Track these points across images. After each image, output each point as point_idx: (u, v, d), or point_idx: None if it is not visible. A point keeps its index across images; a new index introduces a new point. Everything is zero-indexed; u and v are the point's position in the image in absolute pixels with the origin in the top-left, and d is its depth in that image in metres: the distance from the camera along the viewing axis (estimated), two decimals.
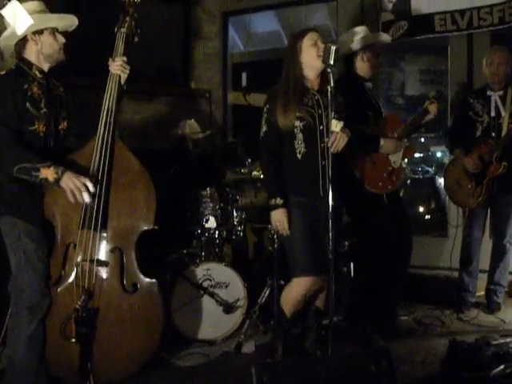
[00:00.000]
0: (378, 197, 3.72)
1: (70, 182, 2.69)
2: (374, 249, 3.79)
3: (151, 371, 3.11)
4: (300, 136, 3.04)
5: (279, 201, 3.04)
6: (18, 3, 2.49)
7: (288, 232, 3.06)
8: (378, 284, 3.75)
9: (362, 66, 3.83)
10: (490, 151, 4.07)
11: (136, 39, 3.15)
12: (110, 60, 3.05)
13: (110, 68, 3.04)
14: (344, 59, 3.88)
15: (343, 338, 3.36)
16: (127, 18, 3.10)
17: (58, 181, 2.69)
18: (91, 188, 2.73)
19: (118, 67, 3.02)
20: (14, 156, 2.69)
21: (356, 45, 3.82)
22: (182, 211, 4.03)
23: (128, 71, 3.05)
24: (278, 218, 3.05)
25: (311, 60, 3.06)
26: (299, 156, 3.06)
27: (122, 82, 3.06)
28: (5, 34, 2.86)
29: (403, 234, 3.85)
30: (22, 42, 2.86)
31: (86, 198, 2.70)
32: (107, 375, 2.93)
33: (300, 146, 3.05)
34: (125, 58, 3.05)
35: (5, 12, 2.62)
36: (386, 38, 4.02)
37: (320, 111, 3.06)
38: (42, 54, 2.88)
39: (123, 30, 3.09)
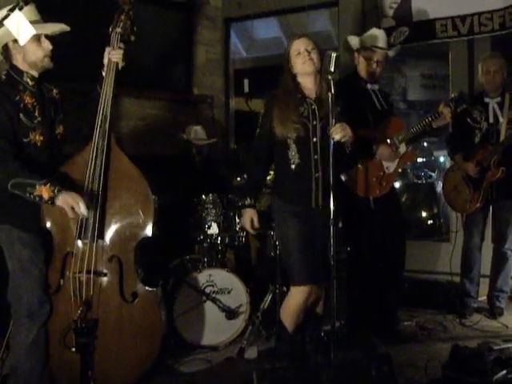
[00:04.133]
0: (365, 201, 3.71)
1: (67, 197, 2.66)
2: (363, 253, 3.79)
3: (154, 377, 3.10)
4: (294, 147, 3.04)
5: (248, 201, 3.20)
6: (21, 13, 2.50)
7: (251, 231, 3.25)
8: (374, 288, 3.76)
9: (361, 68, 3.84)
10: (488, 157, 4.09)
11: (132, 38, 3.04)
12: (108, 48, 2.96)
13: (106, 55, 2.95)
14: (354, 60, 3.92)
15: (345, 343, 3.36)
16: (122, 17, 2.99)
17: (53, 199, 2.65)
18: (86, 203, 2.71)
19: (117, 55, 2.93)
20: (9, 170, 2.65)
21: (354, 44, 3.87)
22: (185, 217, 4.05)
23: (125, 60, 2.97)
24: (247, 216, 3.19)
25: (299, 69, 3.06)
26: (293, 167, 3.06)
27: (119, 68, 2.96)
28: None
29: (395, 239, 3.83)
30: (6, 49, 2.77)
31: (83, 210, 2.67)
32: (108, 383, 2.93)
33: (294, 157, 3.05)
34: (123, 46, 2.96)
35: (8, 22, 2.61)
36: (381, 46, 3.83)
37: (315, 122, 3.04)
38: (26, 62, 2.79)
39: (118, 29, 2.97)
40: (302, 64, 3.04)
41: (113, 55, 2.96)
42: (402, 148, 3.76)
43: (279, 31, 6.36)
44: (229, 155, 5.50)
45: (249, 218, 3.19)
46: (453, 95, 3.77)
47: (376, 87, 3.87)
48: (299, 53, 3.05)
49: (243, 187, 3.37)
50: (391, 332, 3.85)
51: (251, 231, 3.25)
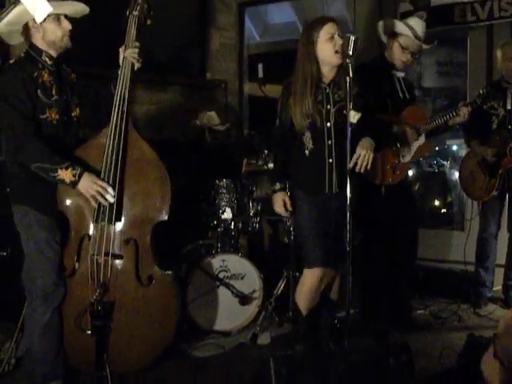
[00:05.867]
0: (377, 188, 3.66)
1: (88, 187, 2.73)
2: (372, 242, 3.77)
3: (167, 362, 3.10)
4: (308, 133, 3.03)
5: (278, 186, 3.15)
6: None
7: (286, 214, 3.20)
8: (385, 276, 3.73)
9: (391, 54, 3.73)
10: (504, 143, 4.03)
11: (149, 22, 3.04)
12: (123, 47, 2.95)
13: (122, 54, 2.94)
14: (381, 43, 3.83)
15: (359, 331, 3.34)
16: (139, 0, 2.98)
17: (75, 184, 2.72)
18: (111, 191, 2.78)
19: (133, 54, 2.91)
20: (32, 153, 2.68)
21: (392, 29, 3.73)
22: (198, 202, 4.03)
23: (141, 60, 2.95)
24: (277, 201, 3.15)
25: (328, 56, 2.97)
26: (307, 152, 3.06)
27: (135, 69, 2.95)
28: (5, 20, 2.75)
29: (406, 228, 3.78)
30: (26, 28, 2.78)
31: (110, 199, 2.78)
32: (123, 366, 2.93)
33: (308, 143, 3.05)
34: (138, 45, 2.94)
35: None
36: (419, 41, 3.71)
37: (328, 106, 3.01)
38: (45, 41, 2.79)
39: (135, 12, 2.96)
40: (334, 53, 2.93)
41: (127, 53, 2.92)
42: (422, 138, 3.71)
43: (294, 16, 6.30)
44: (242, 140, 5.46)
45: (281, 201, 3.15)
46: (481, 91, 3.71)
47: (402, 75, 3.80)
48: (332, 37, 2.95)
49: (272, 175, 3.31)
50: (404, 321, 3.83)
51: (285, 214, 3.20)
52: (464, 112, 3.64)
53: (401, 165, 3.71)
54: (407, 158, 3.72)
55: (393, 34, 3.72)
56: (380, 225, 3.68)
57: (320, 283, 3.14)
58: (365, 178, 3.59)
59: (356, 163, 2.93)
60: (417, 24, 3.72)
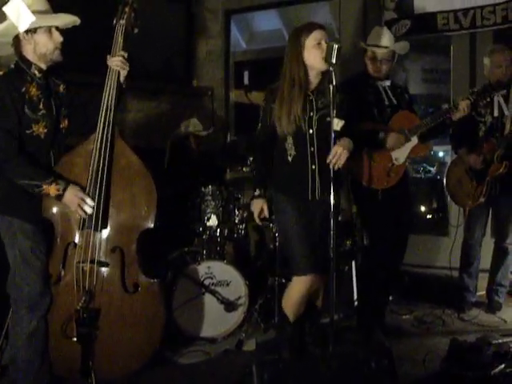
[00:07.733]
0: (373, 192, 3.69)
1: (73, 199, 2.79)
2: (375, 245, 3.81)
3: (153, 369, 3.11)
4: (290, 139, 3.03)
5: (258, 192, 3.16)
6: (20, 0, 2.48)
7: (259, 222, 3.21)
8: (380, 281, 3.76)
9: (367, 66, 3.82)
10: (492, 150, 4.06)
11: (136, 31, 3.05)
12: (109, 55, 2.96)
13: (108, 63, 2.95)
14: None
15: (346, 336, 3.36)
16: (126, 9, 2.99)
17: (59, 197, 2.78)
18: (90, 203, 2.83)
19: (118, 63, 2.92)
20: (15, 171, 2.72)
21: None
22: (184, 209, 4.04)
23: (128, 68, 2.96)
24: (255, 207, 3.16)
25: (314, 62, 2.98)
26: (289, 158, 3.06)
27: (122, 79, 2.97)
28: None
29: (397, 232, 3.77)
30: (17, 40, 2.77)
31: (89, 210, 2.83)
32: (108, 373, 2.93)
33: (290, 149, 3.04)
34: (125, 54, 2.95)
35: (7, 9, 2.60)
36: (382, 44, 3.77)
37: (311, 113, 3.01)
38: (36, 54, 2.79)
39: (122, 21, 2.98)
40: (321, 59, 2.91)
41: (112, 62, 2.94)
42: (414, 140, 3.73)
43: (280, 23, 6.35)
44: (227, 147, 5.47)
45: (258, 208, 3.15)
46: (476, 89, 3.76)
47: (387, 83, 3.82)
48: (319, 43, 2.96)
49: (254, 180, 3.30)
50: (390, 325, 3.86)
51: (259, 221, 3.21)
52: (463, 106, 3.64)
53: (395, 167, 3.74)
54: (401, 160, 3.74)
55: (364, 49, 3.83)
56: (380, 228, 3.72)
57: (309, 291, 3.11)
58: (361, 183, 3.67)
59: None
60: (374, 32, 3.85)
